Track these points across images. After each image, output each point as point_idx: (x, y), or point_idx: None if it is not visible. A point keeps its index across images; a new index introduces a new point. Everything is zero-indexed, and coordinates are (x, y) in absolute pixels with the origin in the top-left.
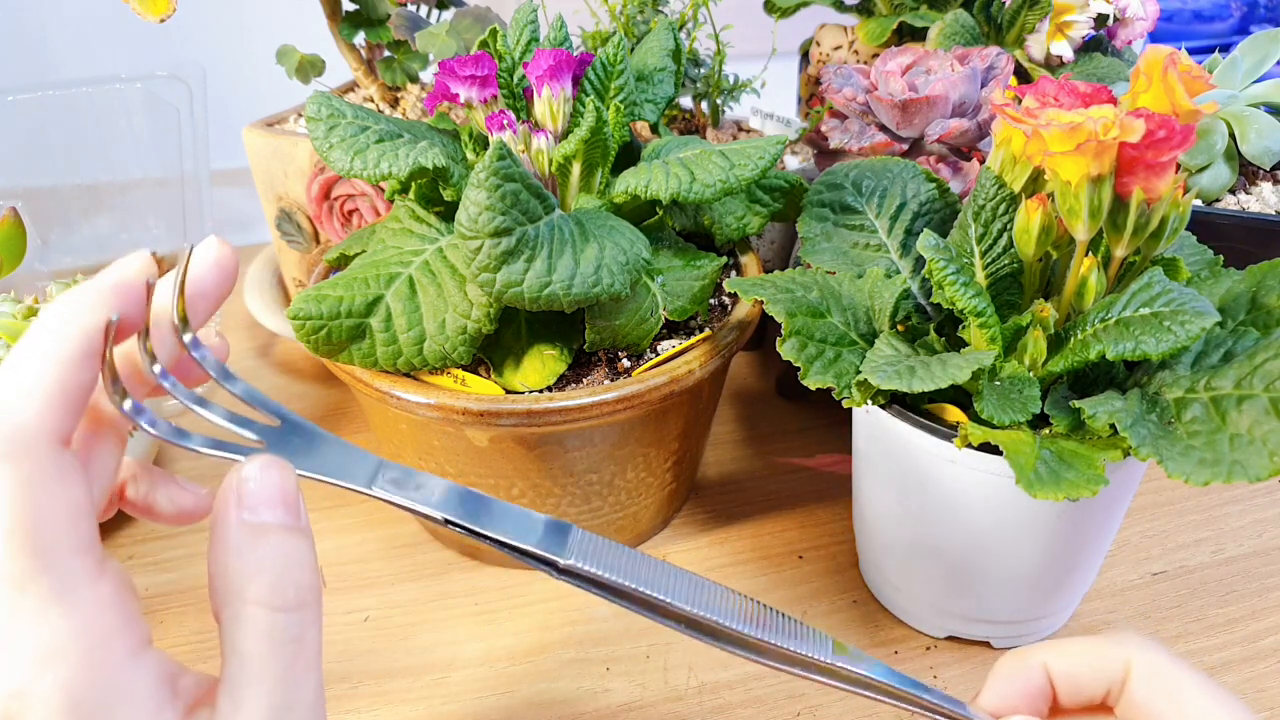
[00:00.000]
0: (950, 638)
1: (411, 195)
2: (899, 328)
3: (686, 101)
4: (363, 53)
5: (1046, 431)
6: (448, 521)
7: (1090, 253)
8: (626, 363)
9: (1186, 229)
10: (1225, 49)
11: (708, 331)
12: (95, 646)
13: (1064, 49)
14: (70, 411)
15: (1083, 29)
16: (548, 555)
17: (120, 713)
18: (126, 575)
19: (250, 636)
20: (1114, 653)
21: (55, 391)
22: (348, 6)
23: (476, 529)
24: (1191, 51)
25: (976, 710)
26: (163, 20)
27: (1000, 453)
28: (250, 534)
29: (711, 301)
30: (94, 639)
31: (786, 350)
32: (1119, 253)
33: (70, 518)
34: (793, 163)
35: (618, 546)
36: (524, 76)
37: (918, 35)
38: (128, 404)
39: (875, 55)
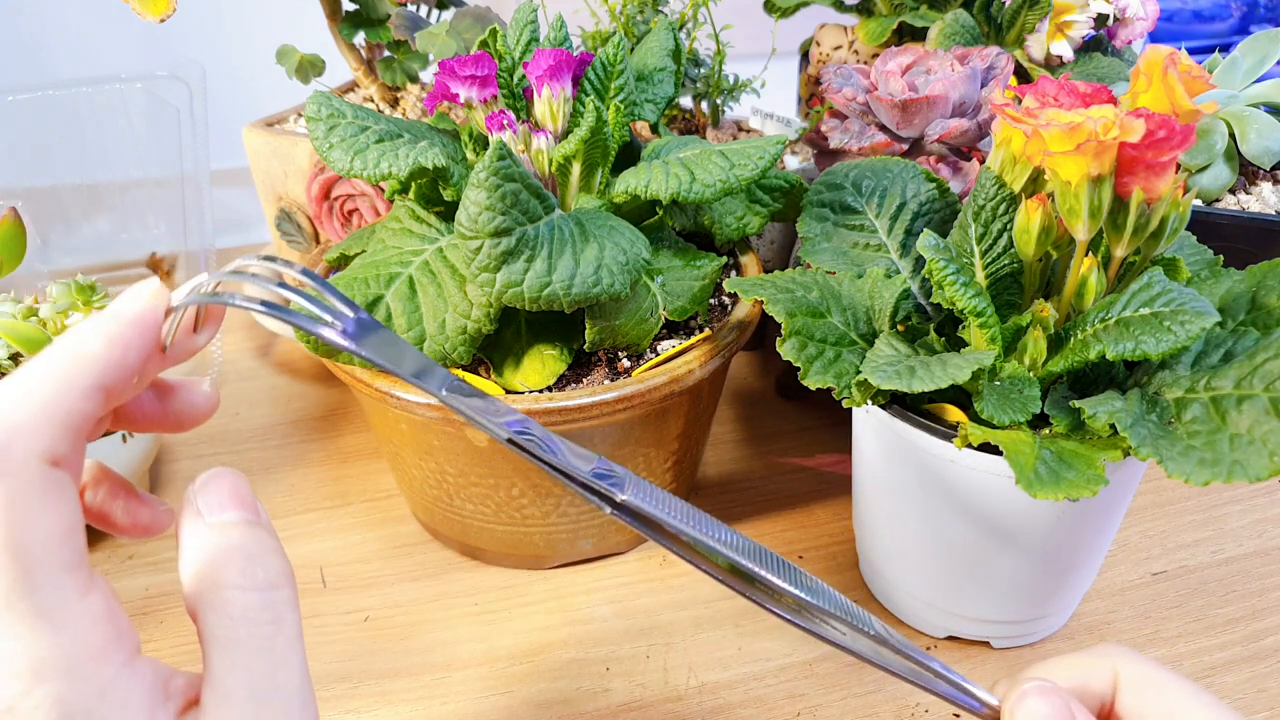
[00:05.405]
0: (950, 638)
1: (411, 195)
2: (899, 328)
3: (686, 101)
4: (363, 53)
5: (1046, 431)
6: (511, 441)
7: (1090, 253)
8: (626, 363)
9: (1186, 229)
10: (1225, 49)
11: (708, 331)
12: (87, 660)
13: (1064, 49)
14: (66, 437)
15: (1083, 29)
16: (605, 489)
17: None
18: (111, 587)
19: (227, 620)
20: (1101, 665)
21: (57, 415)
22: (348, 6)
23: (539, 454)
24: (1191, 51)
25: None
26: (163, 20)
27: (1000, 453)
28: (213, 532)
29: (711, 301)
30: (86, 652)
31: (786, 350)
32: (1119, 253)
33: (60, 534)
34: (793, 163)
35: (669, 494)
36: (524, 76)
37: (918, 35)
38: None
39: (875, 55)
